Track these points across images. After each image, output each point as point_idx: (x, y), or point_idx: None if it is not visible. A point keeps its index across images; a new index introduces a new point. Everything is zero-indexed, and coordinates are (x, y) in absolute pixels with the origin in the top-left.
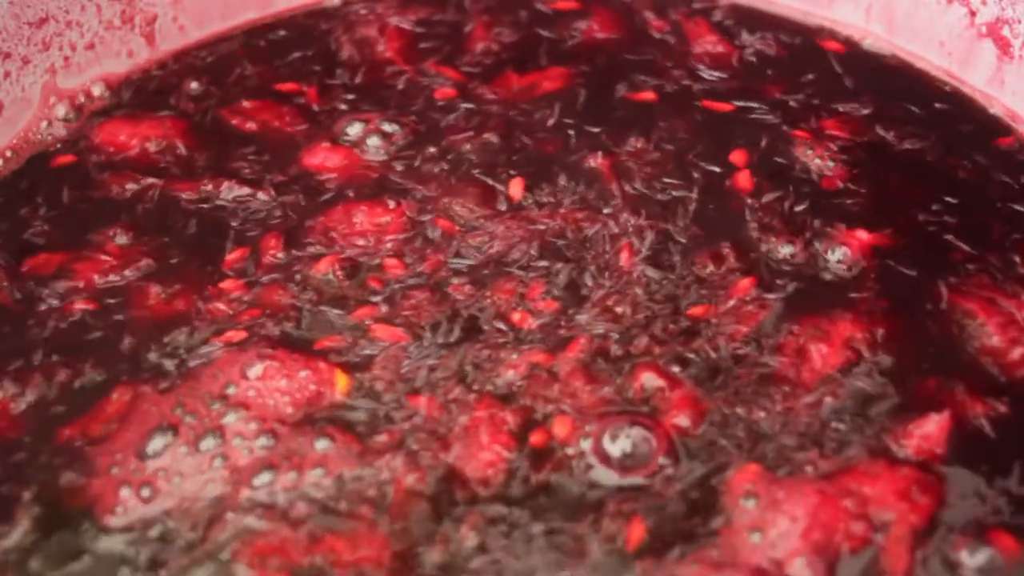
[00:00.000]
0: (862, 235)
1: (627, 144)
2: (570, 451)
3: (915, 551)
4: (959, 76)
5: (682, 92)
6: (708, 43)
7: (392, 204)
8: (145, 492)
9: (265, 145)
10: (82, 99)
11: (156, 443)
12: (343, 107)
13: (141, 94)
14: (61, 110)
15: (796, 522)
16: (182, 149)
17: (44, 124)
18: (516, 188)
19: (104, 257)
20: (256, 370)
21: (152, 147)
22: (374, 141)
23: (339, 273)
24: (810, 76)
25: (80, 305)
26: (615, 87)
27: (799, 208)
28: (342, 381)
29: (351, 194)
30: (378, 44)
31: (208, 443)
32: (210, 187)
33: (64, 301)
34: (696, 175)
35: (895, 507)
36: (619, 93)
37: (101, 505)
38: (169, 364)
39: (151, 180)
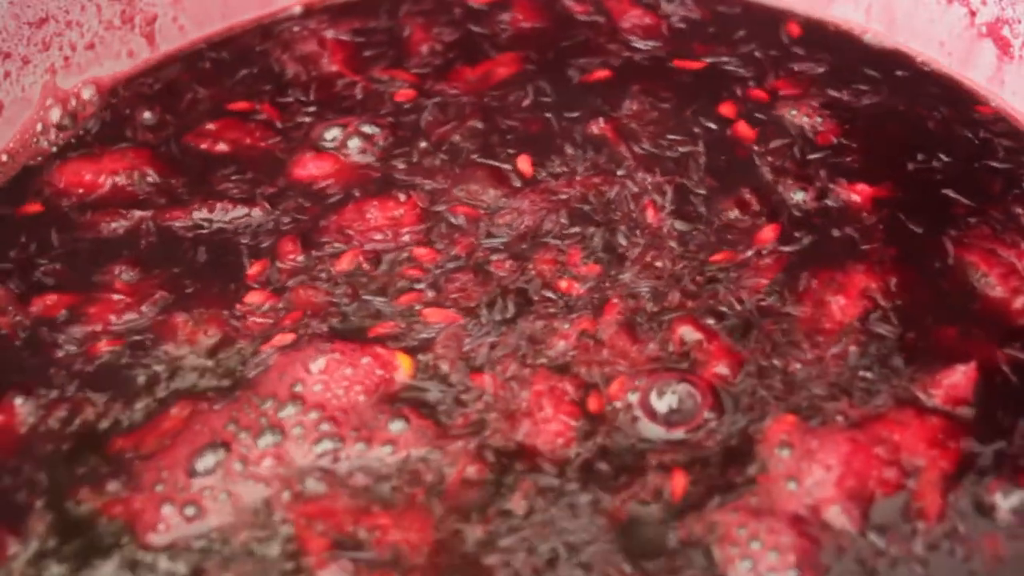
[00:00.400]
0: (864, 188)
1: (623, 108)
2: (622, 411)
3: (947, 495)
4: (959, 76)
5: (633, 63)
6: (634, 17)
7: (403, 197)
8: (189, 511)
9: (244, 163)
10: (73, 103)
11: (207, 460)
12: (309, 119)
13: (93, 130)
14: (56, 114)
15: (830, 470)
16: (155, 178)
17: (39, 127)
18: (525, 164)
19: (116, 296)
20: (319, 364)
21: (122, 181)
22: (355, 143)
23: (365, 266)
24: (749, 39)
25: (105, 346)
26: (566, 71)
27: (806, 156)
28: (406, 363)
29: (357, 194)
30: (322, 58)
31: (267, 439)
32: (204, 211)
33: (84, 345)
34: (697, 130)
35: (925, 454)
36: (574, 80)
37: (142, 521)
38: (225, 381)
39: (138, 213)
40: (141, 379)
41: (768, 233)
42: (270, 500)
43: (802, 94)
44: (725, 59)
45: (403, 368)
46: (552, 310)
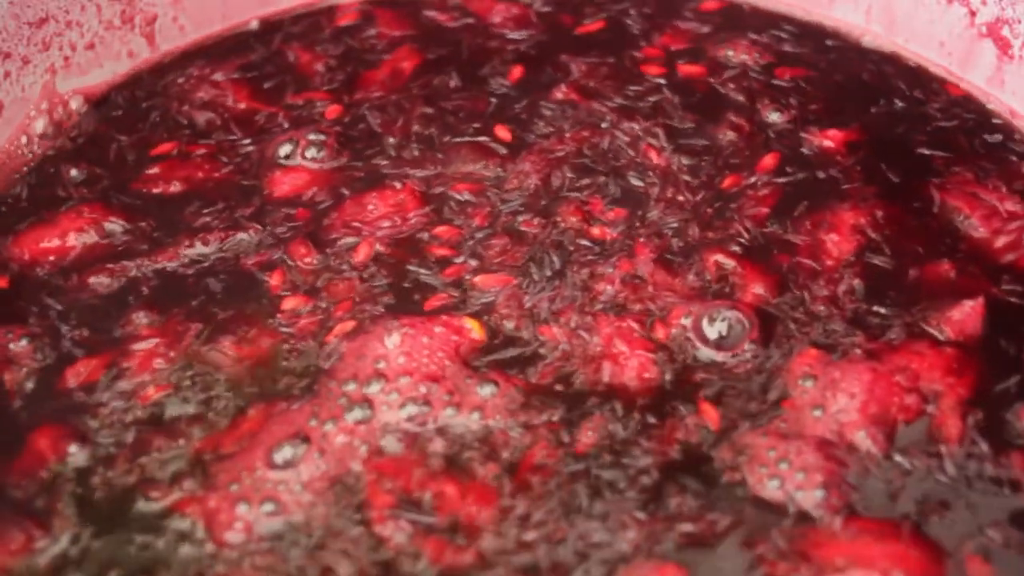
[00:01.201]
0: (835, 134)
1: (573, 72)
2: (681, 338)
3: (966, 418)
4: (959, 76)
5: (540, 43)
6: (501, 12)
7: (399, 185)
8: (268, 507)
9: (208, 195)
10: (60, 112)
11: (286, 452)
12: (252, 147)
13: (26, 197)
14: (40, 125)
15: (854, 398)
16: (124, 227)
17: (23, 139)
18: (504, 132)
19: (146, 344)
20: (394, 339)
21: (92, 238)
22: (313, 152)
23: (384, 252)
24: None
25: (155, 392)
26: (472, 64)
27: (770, 80)
28: (476, 328)
29: (347, 192)
30: (225, 99)
31: (355, 414)
32: (194, 247)
33: (133, 397)
34: (650, 76)
35: (943, 381)
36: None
37: (217, 519)
38: (301, 383)
39: (126, 263)
40: (205, 404)
41: (769, 160)
42: (352, 458)
43: (711, 38)
44: (615, 16)
45: (475, 332)
46: (591, 257)
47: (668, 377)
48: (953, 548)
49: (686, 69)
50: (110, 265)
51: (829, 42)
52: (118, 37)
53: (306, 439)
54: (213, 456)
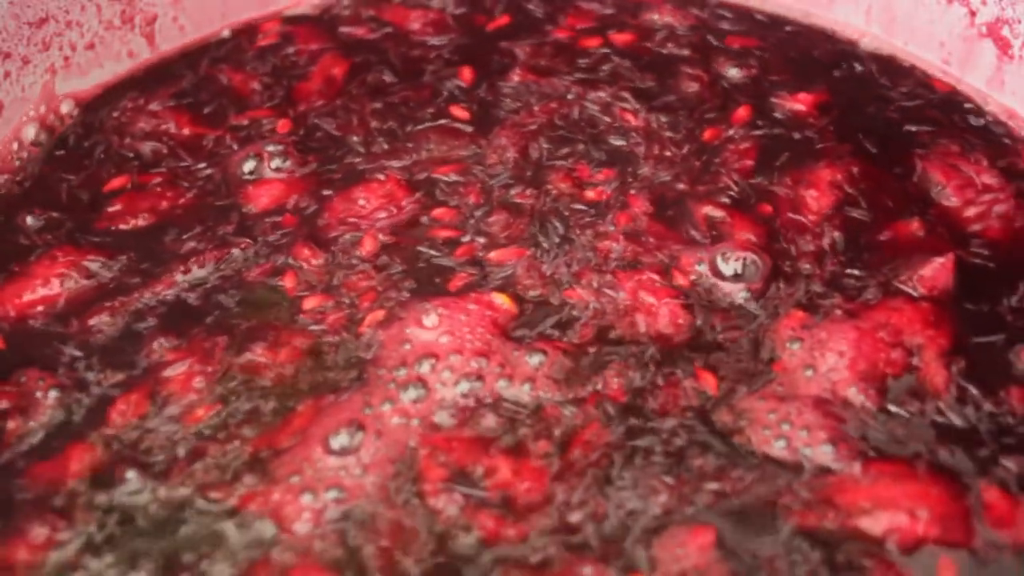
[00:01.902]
0: (805, 97)
1: (519, 55)
2: (702, 281)
3: (950, 367)
4: (959, 76)
5: (461, 46)
6: (417, 19)
7: (383, 177)
8: (332, 494)
9: (183, 221)
10: (52, 119)
11: (343, 438)
12: (210, 170)
13: None
14: (31, 132)
15: (843, 356)
16: (106, 264)
17: (15, 146)
18: (461, 112)
19: (180, 366)
20: (431, 319)
21: (75, 283)
22: (278, 164)
23: (390, 240)
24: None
25: (203, 411)
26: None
27: (717, 40)
28: (505, 300)
29: (330, 192)
30: (168, 128)
31: (411, 393)
32: (188, 273)
33: (183, 419)
34: (593, 50)
35: (923, 334)
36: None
37: (283, 511)
38: (348, 375)
39: (122, 299)
40: (254, 409)
41: (743, 113)
42: (408, 436)
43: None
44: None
45: (506, 305)
46: (590, 218)
47: (700, 320)
48: (970, 482)
49: (619, 38)
50: (107, 304)
51: (759, 16)
52: (118, 37)
53: (361, 425)
54: (270, 453)
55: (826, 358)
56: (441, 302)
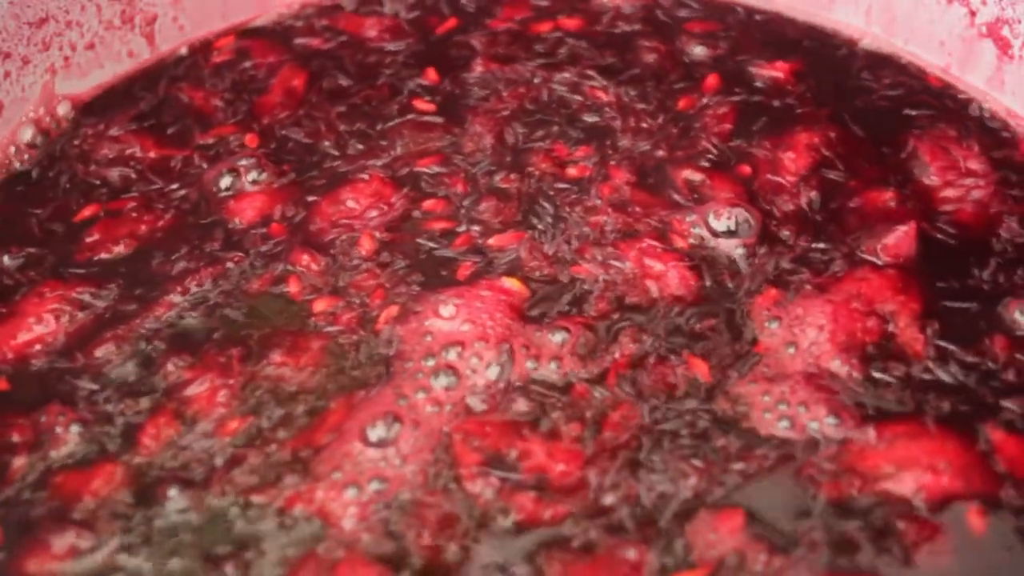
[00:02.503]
0: (781, 65)
1: (478, 47)
2: (703, 239)
3: (925, 329)
4: (959, 76)
5: (417, 51)
6: (372, 27)
7: (366, 176)
8: (374, 485)
9: (165, 244)
10: (48, 121)
11: (380, 430)
12: (183, 191)
13: None
14: (28, 133)
15: (822, 330)
16: (96, 295)
17: (12, 149)
18: (425, 105)
19: (201, 384)
20: (449, 310)
21: (69, 317)
22: (255, 176)
23: (387, 237)
24: None
25: (235, 424)
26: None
27: (672, 14)
28: (516, 283)
29: (315, 198)
30: (134, 152)
31: (442, 380)
32: (187, 294)
33: (215, 435)
34: (547, 31)
35: (894, 300)
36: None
37: (329, 507)
38: (374, 371)
39: (123, 328)
40: (286, 415)
41: (713, 81)
42: (442, 423)
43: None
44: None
45: (517, 287)
46: (575, 195)
47: (708, 280)
48: (975, 429)
49: (568, 23)
50: (109, 333)
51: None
52: (118, 37)
53: (397, 416)
54: (310, 452)
55: (806, 333)
56: (454, 292)
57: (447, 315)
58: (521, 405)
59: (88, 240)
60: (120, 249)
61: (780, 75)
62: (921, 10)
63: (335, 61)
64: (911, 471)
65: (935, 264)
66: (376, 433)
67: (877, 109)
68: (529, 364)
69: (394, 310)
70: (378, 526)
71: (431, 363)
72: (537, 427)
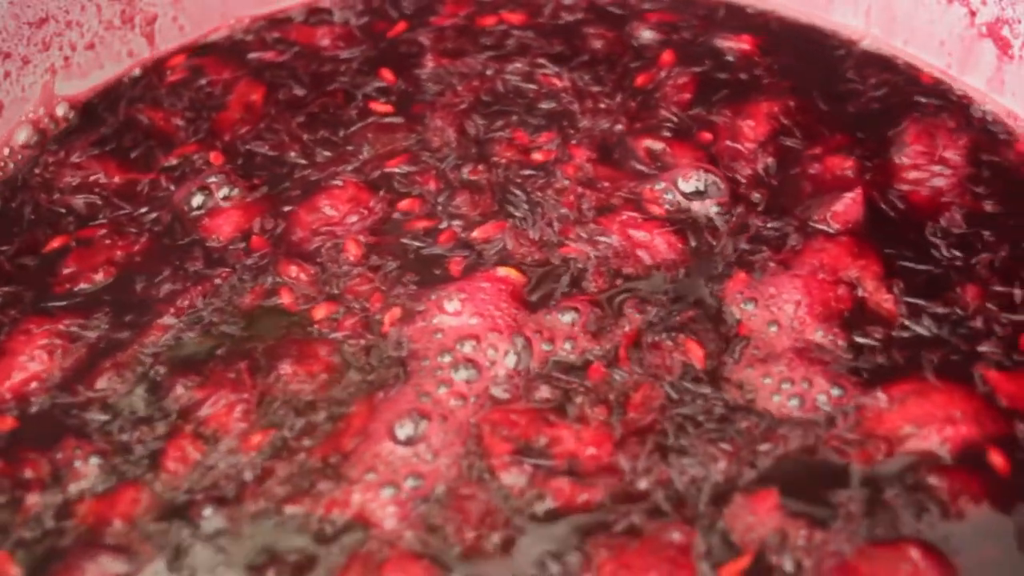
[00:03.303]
0: (747, 38)
1: (426, 43)
2: (677, 202)
3: (892, 289)
4: (959, 76)
5: (373, 58)
6: (325, 36)
7: (340, 183)
8: (411, 482)
9: (145, 269)
10: (47, 122)
11: (407, 428)
12: (154, 213)
13: None
14: (23, 135)
15: (799, 305)
16: (85, 326)
17: (6, 151)
18: (382, 107)
19: (214, 402)
20: (454, 305)
21: (61, 352)
22: (226, 192)
23: (372, 241)
24: None
25: (258, 437)
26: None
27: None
28: (512, 271)
29: (292, 208)
30: (98, 178)
31: (462, 374)
32: (180, 315)
33: (239, 451)
34: (492, 24)
35: (855, 266)
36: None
37: (368, 508)
38: (390, 373)
39: (121, 355)
40: (307, 423)
41: (668, 56)
42: (469, 415)
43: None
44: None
45: (513, 276)
46: (543, 179)
47: (693, 242)
48: (972, 374)
49: (512, 17)
50: (107, 363)
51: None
52: (118, 37)
53: (422, 412)
54: (339, 457)
55: (783, 310)
56: (455, 287)
57: (453, 310)
58: (544, 391)
59: (65, 271)
60: (100, 277)
61: (746, 46)
62: (921, 10)
63: (289, 72)
64: (930, 426)
65: (881, 231)
66: (404, 431)
67: (874, 99)
68: (545, 347)
69: (397, 312)
70: (419, 522)
71: (448, 359)
72: (563, 412)
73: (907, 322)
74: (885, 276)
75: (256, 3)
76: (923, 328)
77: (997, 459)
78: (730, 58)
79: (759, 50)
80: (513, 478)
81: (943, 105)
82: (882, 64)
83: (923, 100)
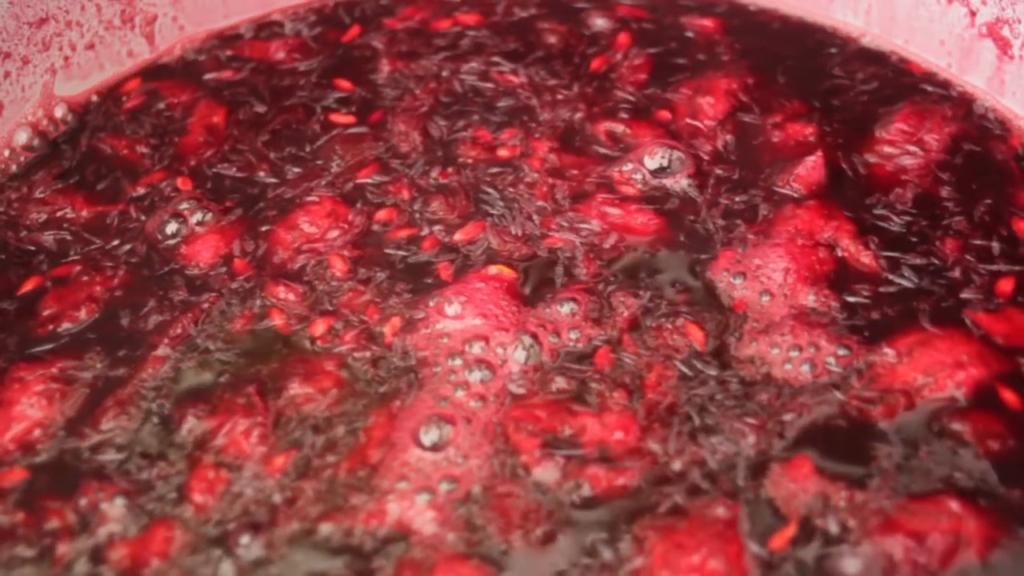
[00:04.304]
0: (711, 20)
1: (380, 47)
2: (648, 182)
3: (869, 245)
4: (959, 76)
5: (331, 65)
6: (280, 49)
7: (315, 198)
8: (445, 486)
9: (129, 302)
10: (45, 123)
11: (432, 435)
12: (127, 245)
13: None
14: (23, 136)
15: (787, 273)
16: (77, 367)
17: (7, 152)
18: (344, 118)
19: (229, 429)
20: (454, 308)
21: (59, 395)
22: (200, 217)
23: (356, 255)
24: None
25: (281, 459)
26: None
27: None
28: (503, 268)
29: (269, 227)
30: (65, 212)
31: (477, 375)
32: (174, 345)
33: (263, 476)
34: (444, 28)
35: (829, 227)
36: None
37: (405, 516)
38: (401, 381)
39: (121, 394)
40: (328, 439)
41: (624, 39)
42: (491, 414)
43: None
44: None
45: (507, 273)
46: (514, 176)
47: (674, 217)
48: (963, 320)
49: (467, 19)
50: (108, 402)
51: None
52: (118, 37)
53: (443, 417)
54: (367, 469)
55: (773, 278)
56: (451, 291)
57: (454, 314)
58: (560, 382)
59: (45, 313)
60: (83, 315)
61: (709, 24)
62: (921, 10)
63: (249, 88)
64: (942, 373)
65: (845, 194)
66: (430, 437)
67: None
68: (552, 339)
69: (397, 321)
70: (460, 524)
71: (459, 362)
72: (583, 401)
73: (890, 276)
74: (859, 233)
75: (257, 3)
76: (906, 280)
77: (1009, 396)
78: (690, 34)
79: (722, 29)
80: (547, 471)
81: (946, 96)
82: (876, 58)
83: (929, 89)
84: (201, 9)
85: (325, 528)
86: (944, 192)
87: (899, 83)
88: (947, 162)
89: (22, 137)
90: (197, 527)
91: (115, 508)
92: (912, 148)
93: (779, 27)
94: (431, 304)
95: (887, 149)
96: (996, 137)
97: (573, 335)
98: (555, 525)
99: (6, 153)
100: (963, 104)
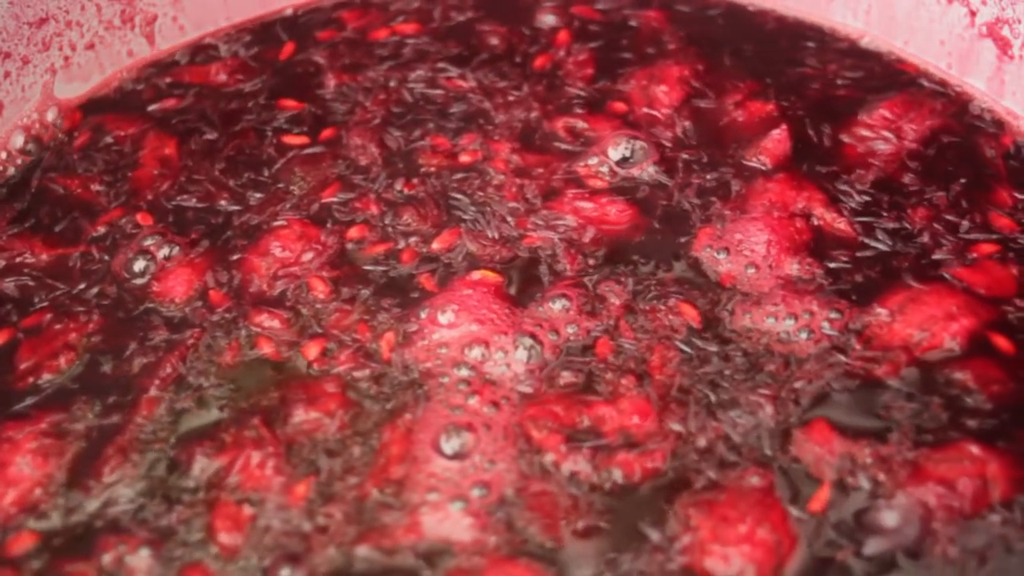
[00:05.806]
0: (657, 12)
1: (323, 62)
2: (615, 173)
3: (842, 212)
4: (959, 76)
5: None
6: (221, 71)
7: (283, 222)
8: (477, 492)
9: (109, 347)
10: (38, 128)
11: (453, 443)
12: (95, 287)
13: None
14: (19, 140)
15: (769, 244)
16: (66, 419)
17: (3, 155)
18: (296, 139)
19: (243, 465)
20: (448, 317)
21: (53, 449)
22: (166, 252)
23: (335, 275)
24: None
25: (302, 488)
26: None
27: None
28: (488, 273)
29: (241, 255)
30: (24, 258)
31: (486, 380)
32: (164, 387)
33: (289, 505)
34: (383, 38)
35: (801, 197)
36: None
37: (443, 526)
38: (407, 396)
39: (122, 438)
40: (344, 462)
41: (564, 36)
42: (507, 418)
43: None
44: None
45: (492, 278)
46: (480, 180)
47: (644, 206)
48: (942, 275)
49: (404, 28)
50: (108, 453)
51: None
52: (118, 37)
53: (459, 424)
54: (393, 486)
55: (756, 251)
56: (440, 300)
57: (448, 323)
58: (567, 376)
59: (22, 366)
60: (63, 364)
61: (655, 15)
62: (921, 10)
63: (197, 115)
64: (935, 326)
65: (812, 166)
66: (451, 446)
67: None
68: (551, 336)
69: (391, 336)
70: (500, 527)
71: (464, 370)
72: (595, 391)
73: (865, 240)
74: (831, 201)
75: (258, 4)
76: (881, 243)
77: (1002, 342)
78: (634, 23)
79: (669, 21)
80: (577, 464)
81: (942, 92)
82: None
83: (926, 84)
84: (201, 9)
85: (362, 550)
86: (906, 180)
87: (895, 77)
88: (918, 152)
89: (18, 141)
90: (232, 567)
91: (141, 560)
92: (887, 134)
93: (773, 27)
94: (423, 315)
95: (863, 132)
96: (988, 135)
97: (571, 329)
98: (596, 515)
99: (3, 155)
100: (958, 102)
